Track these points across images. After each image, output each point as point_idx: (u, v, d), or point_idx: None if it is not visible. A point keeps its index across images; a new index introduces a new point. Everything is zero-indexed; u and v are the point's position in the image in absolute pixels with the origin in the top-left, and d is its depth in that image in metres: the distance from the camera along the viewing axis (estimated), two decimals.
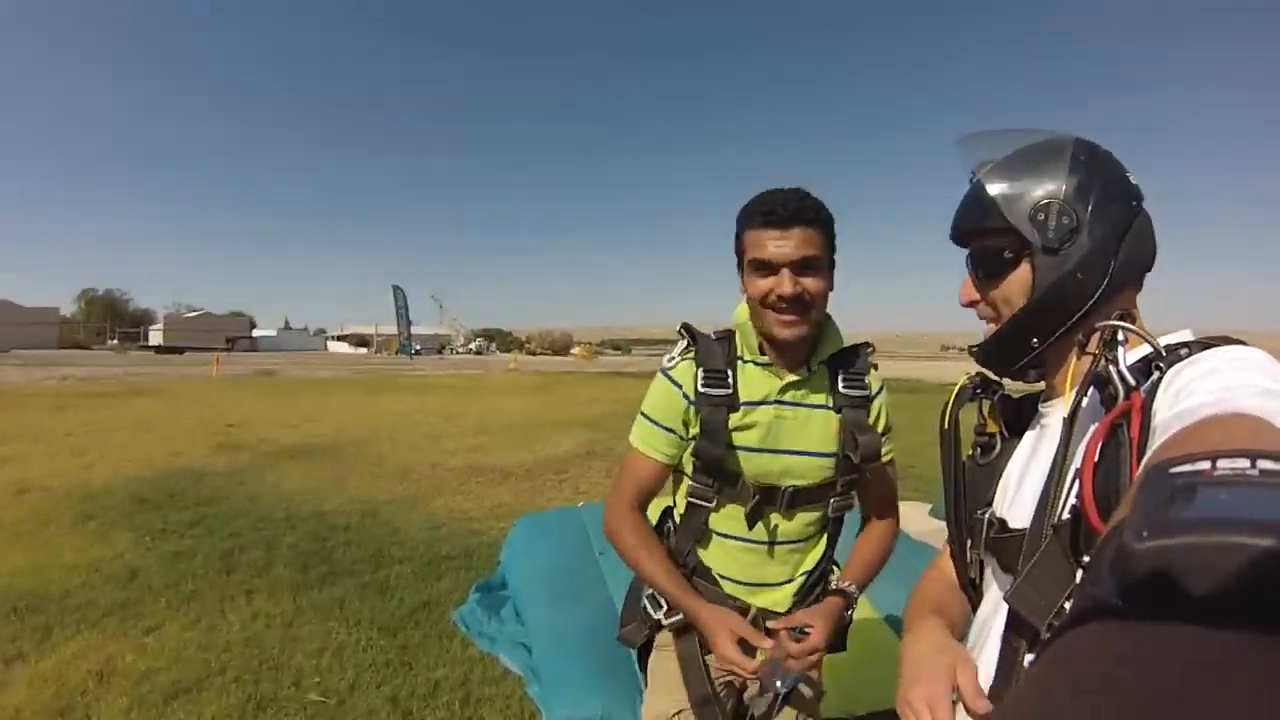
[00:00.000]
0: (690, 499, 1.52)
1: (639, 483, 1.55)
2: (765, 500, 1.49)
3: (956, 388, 1.09)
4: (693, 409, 1.48)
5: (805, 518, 1.54)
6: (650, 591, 1.57)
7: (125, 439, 9.70)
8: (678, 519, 1.59)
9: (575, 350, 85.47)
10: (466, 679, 3.21)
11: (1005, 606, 0.87)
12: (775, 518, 1.51)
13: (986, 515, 1.00)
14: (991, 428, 1.08)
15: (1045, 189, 0.93)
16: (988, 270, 1.00)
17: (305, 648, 3.50)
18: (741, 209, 1.43)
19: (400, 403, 16.20)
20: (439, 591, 4.27)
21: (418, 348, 56.04)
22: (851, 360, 1.54)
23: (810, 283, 1.38)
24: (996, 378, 1.08)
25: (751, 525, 1.50)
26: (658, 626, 1.57)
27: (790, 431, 1.48)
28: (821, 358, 1.50)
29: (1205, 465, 0.40)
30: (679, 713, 1.51)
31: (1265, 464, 0.38)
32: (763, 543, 1.52)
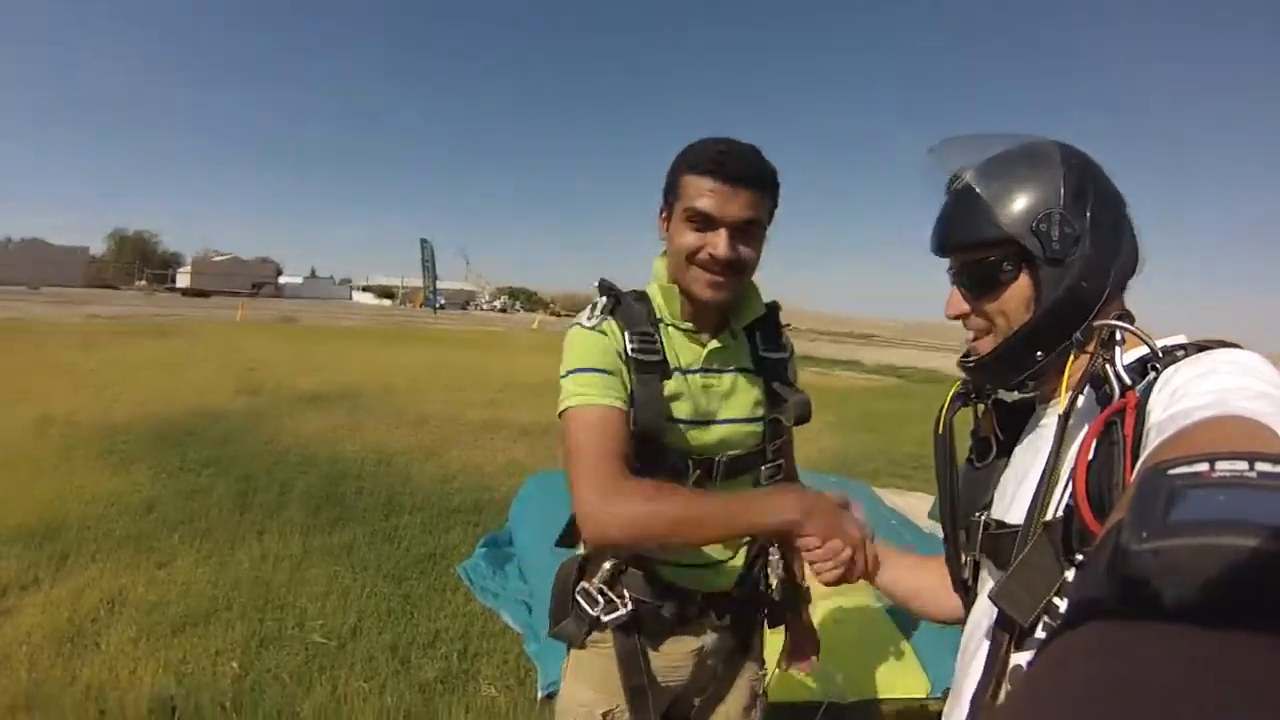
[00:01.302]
0: None
1: (612, 442, 1.22)
2: (705, 475, 1.36)
3: (950, 392, 1.07)
4: (624, 368, 1.29)
5: (740, 487, 1.41)
6: (584, 586, 1.41)
7: (148, 377, 9.86)
8: None
9: None
10: (466, 632, 3.25)
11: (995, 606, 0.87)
12: (715, 490, 1.36)
13: (983, 518, 0.99)
14: (986, 430, 1.06)
15: (1042, 197, 0.89)
16: (983, 284, 0.96)
17: (311, 590, 3.57)
18: (687, 149, 1.29)
19: (422, 355, 16.31)
20: (446, 543, 4.32)
21: (442, 301, 56.25)
22: (767, 321, 1.46)
23: (745, 249, 1.28)
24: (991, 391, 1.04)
25: None
26: (596, 623, 1.40)
27: (720, 399, 1.38)
28: (743, 322, 1.42)
29: (1204, 467, 0.40)
30: (607, 711, 1.43)
31: (1263, 466, 0.38)
32: None
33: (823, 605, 3.01)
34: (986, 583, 0.99)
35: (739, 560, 1.45)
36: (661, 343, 1.33)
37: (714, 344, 1.37)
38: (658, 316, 1.36)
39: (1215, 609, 0.31)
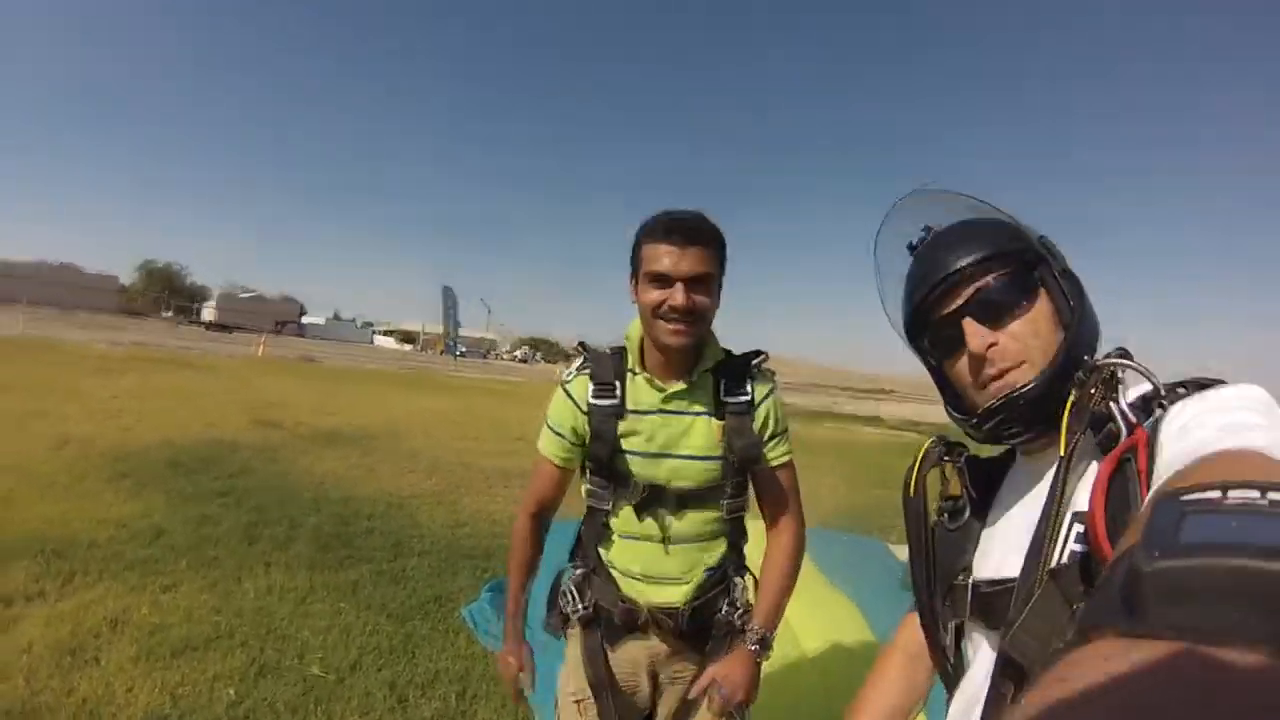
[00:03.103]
0: (589, 501, 1.66)
1: (539, 486, 1.71)
2: (653, 498, 1.58)
3: (920, 452, 1.04)
4: (584, 419, 1.59)
5: (699, 517, 1.61)
6: (565, 587, 1.73)
7: (166, 406, 9.95)
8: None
9: None
10: (466, 674, 3.20)
11: (992, 661, 0.83)
12: (667, 516, 1.60)
13: (968, 580, 0.95)
14: (955, 491, 1.03)
15: (1025, 230, 0.93)
16: (1009, 299, 0.90)
17: (314, 624, 3.53)
18: (642, 224, 1.52)
19: (439, 401, 16.36)
20: (453, 587, 4.27)
21: (463, 349, 56.51)
22: (734, 369, 1.61)
23: (700, 298, 1.47)
24: (1006, 442, 0.97)
25: (640, 519, 1.60)
26: (566, 619, 1.72)
27: (674, 437, 1.58)
28: (703, 368, 1.58)
29: (1216, 494, 0.41)
30: (580, 700, 1.67)
31: (1275, 495, 0.39)
32: (656, 539, 1.61)
33: (813, 634, 3.02)
34: (980, 644, 0.94)
35: (694, 582, 1.62)
36: (623, 390, 1.59)
37: (673, 388, 1.56)
38: (628, 367, 1.61)
39: (1226, 629, 0.31)
